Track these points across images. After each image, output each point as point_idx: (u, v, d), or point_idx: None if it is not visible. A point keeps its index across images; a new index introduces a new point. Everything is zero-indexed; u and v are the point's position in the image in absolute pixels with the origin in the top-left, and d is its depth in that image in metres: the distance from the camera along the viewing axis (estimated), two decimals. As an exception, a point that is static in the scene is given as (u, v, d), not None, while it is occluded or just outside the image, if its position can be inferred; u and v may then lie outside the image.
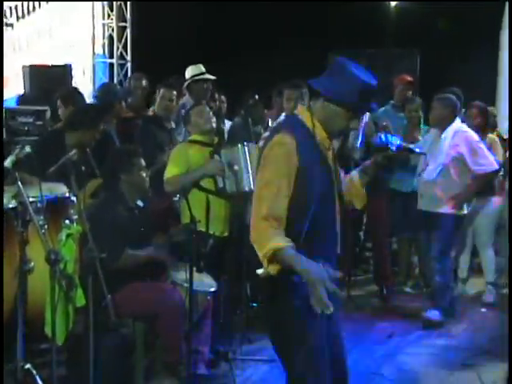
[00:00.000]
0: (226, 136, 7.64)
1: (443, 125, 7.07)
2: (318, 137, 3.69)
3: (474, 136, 7.09)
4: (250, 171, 5.80)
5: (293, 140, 3.58)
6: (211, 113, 6.14)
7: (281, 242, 3.46)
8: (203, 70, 7.80)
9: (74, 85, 9.71)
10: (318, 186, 3.62)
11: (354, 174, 4.08)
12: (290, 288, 3.64)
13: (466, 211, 7.18)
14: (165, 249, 5.52)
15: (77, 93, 7.18)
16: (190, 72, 7.82)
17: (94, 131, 5.97)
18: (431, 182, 7.05)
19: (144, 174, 5.54)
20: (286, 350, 3.78)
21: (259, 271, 3.55)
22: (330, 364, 3.76)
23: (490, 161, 7.02)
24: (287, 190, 3.54)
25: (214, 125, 6.08)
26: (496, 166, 7.09)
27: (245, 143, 5.91)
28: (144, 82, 8.25)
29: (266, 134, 6.80)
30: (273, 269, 3.51)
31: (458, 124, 7.11)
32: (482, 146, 7.09)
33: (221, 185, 5.83)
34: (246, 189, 5.77)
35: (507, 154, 8.23)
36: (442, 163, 7.00)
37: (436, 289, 7.24)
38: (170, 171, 5.89)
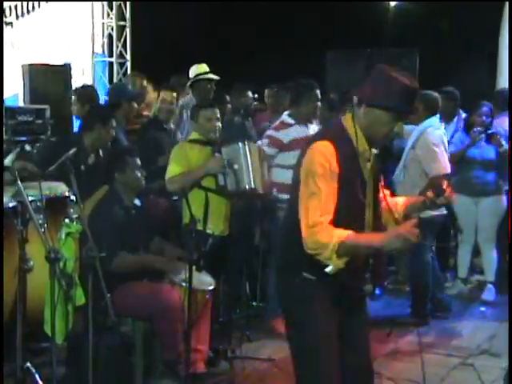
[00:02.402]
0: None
1: (417, 121, 7.01)
2: (360, 147, 3.68)
3: (434, 138, 6.98)
4: (251, 169, 5.80)
5: (333, 148, 3.58)
6: (219, 118, 6.10)
7: (342, 233, 3.48)
8: (207, 69, 7.79)
9: (73, 84, 9.72)
10: (347, 197, 3.63)
11: (401, 201, 4.05)
12: (303, 284, 3.71)
13: (433, 213, 6.92)
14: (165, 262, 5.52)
15: (94, 91, 7.29)
16: (193, 71, 7.81)
17: (107, 128, 6.03)
18: (399, 182, 7.03)
19: (138, 174, 5.52)
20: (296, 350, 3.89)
21: (327, 269, 3.53)
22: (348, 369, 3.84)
23: (441, 164, 6.89)
24: (333, 197, 3.57)
25: (218, 134, 6.05)
26: (447, 170, 6.93)
27: (245, 142, 5.90)
28: (145, 82, 8.27)
29: (270, 131, 6.80)
30: (342, 262, 3.52)
31: (430, 122, 7.00)
32: (439, 148, 6.94)
33: (221, 183, 5.83)
34: (247, 187, 5.78)
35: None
36: (403, 163, 7.00)
37: (412, 294, 7.33)
38: (172, 170, 5.87)
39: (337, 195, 3.58)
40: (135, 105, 7.22)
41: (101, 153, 6.14)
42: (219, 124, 6.06)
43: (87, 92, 7.48)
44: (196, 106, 6.43)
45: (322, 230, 3.50)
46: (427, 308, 7.20)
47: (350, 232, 3.49)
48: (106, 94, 7.78)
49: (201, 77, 7.75)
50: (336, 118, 7.99)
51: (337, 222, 3.55)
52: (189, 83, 7.81)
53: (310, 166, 3.62)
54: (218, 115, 6.09)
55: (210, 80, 7.77)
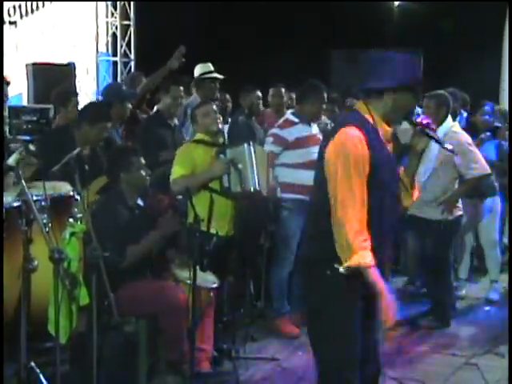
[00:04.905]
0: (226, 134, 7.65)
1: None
2: (380, 130, 3.69)
3: (466, 138, 6.95)
4: (256, 171, 5.79)
5: (360, 132, 3.58)
6: (218, 113, 6.11)
7: (368, 259, 3.57)
8: (212, 68, 7.77)
9: (77, 83, 9.73)
10: (385, 178, 3.65)
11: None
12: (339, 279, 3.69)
13: (459, 213, 7.03)
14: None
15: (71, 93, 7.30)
16: (198, 70, 7.79)
17: (96, 129, 5.94)
18: (420, 185, 6.90)
19: (143, 173, 5.50)
20: (323, 334, 3.82)
21: (341, 269, 3.62)
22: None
23: (481, 164, 6.86)
24: (364, 188, 3.58)
25: (221, 126, 6.04)
26: (488, 170, 6.92)
27: (250, 143, 5.90)
28: (143, 80, 8.32)
29: (275, 130, 6.79)
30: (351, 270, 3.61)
31: (448, 124, 6.93)
32: (474, 148, 6.94)
33: (226, 184, 5.82)
34: (252, 189, 5.77)
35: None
36: (432, 167, 6.81)
37: (432, 297, 7.24)
38: (177, 172, 5.85)
39: (373, 178, 3.59)
40: (129, 105, 7.14)
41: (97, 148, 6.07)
42: (219, 116, 6.04)
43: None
44: (194, 107, 6.43)
45: (360, 242, 3.56)
46: (449, 311, 7.18)
47: (373, 263, 3.58)
48: (101, 94, 7.76)
49: (205, 76, 7.73)
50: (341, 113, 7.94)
51: (379, 204, 3.62)
52: (193, 82, 7.80)
53: (342, 149, 3.60)
54: (215, 108, 6.09)
55: (215, 79, 7.75)
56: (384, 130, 3.72)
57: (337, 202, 3.58)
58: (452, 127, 6.92)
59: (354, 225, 3.55)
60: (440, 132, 6.80)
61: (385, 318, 3.61)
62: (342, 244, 3.59)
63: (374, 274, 3.59)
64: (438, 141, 3.86)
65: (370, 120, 3.68)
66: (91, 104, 7.18)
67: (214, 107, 6.10)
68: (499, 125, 7.99)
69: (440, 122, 6.86)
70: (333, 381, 3.80)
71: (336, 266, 3.65)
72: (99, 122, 5.96)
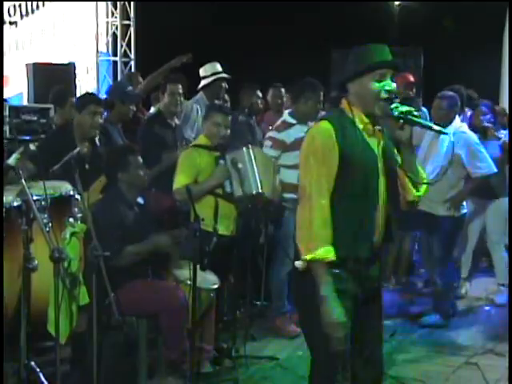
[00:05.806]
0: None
1: (443, 124, 6.89)
2: (360, 124, 3.72)
3: (474, 137, 7.01)
4: (257, 174, 5.78)
5: (331, 127, 3.63)
6: (228, 126, 6.05)
7: (325, 254, 3.54)
8: (220, 69, 7.73)
9: (77, 83, 9.73)
10: (358, 171, 3.65)
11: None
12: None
13: (464, 211, 7.07)
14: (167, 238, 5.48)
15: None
16: (207, 70, 7.72)
17: (84, 115, 5.93)
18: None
19: (141, 172, 5.50)
20: (309, 324, 3.80)
21: (297, 264, 3.65)
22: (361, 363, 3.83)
23: (488, 163, 6.95)
24: (330, 182, 3.61)
25: (223, 141, 6.00)
26: (494, 169, 7.00)
27: (250, 146, 5.89)
28: (140, 79, 8.31)
29: (272, 133, 6.79)
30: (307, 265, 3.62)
31: (457, 123, 6.95)
32: (481, 147, 6.99)
33: (228, 189, 5.81)
34: (254, 192, 5.77)
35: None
36: (441, 165, 6.77)
37: (437, 292, 7.20)
38: (179, 181, 5.83)
39: (344, 171, 3.61)
40: (132, 107, 7.04)
41: (97, 141, 6.07)
42: (226, 132, 6.01)
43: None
44: (211, 106, 6.41)
45: (319, 231, 3.55)
46: (451, 307, 7.19)
47: (329, 258, 3.54)
48: (105, 93, 7.76)
49: (218, 76, 7.68)
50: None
51: (350, 194, 3.62)
52: (207, 82, 7.69)
53: (309, 146, 3.67)
54: (229, 123, 6.06)
55: (223, 79, 7.72)
56: (364, 123, 3.73)
57: (305, 192, 3.62)
58: (460, 127, 6.95)
59: (321, 216, 3.57)
60: (448, 132, 6.80)
61: (323, 323, 3.56)
62: (306, 235, 3.59)
63: (324, 276, 3.56)
64: (424, 125, 3.82)
65: (350, 115, 3.73)
66: (82, 95, 7.19)
67: (228, 122, 6.05)
68: (487, 125, 7.97)
69: (446, 122, 6.88)
70: (319, 376, 3.80)
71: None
72: (86, 105, 5.96)
